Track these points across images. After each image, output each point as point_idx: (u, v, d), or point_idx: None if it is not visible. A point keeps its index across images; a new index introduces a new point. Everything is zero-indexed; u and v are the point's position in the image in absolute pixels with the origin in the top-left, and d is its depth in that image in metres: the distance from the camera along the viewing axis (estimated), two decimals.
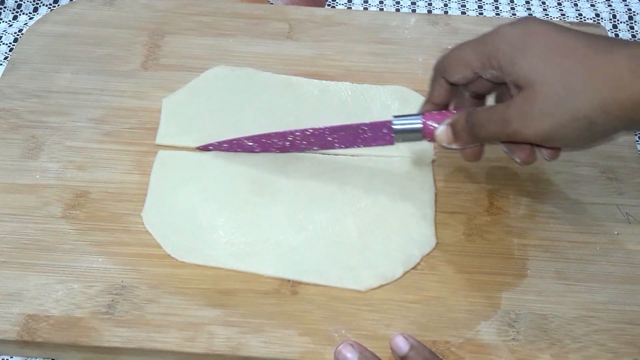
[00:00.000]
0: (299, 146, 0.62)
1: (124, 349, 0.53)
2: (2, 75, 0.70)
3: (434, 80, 0.58)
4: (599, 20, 0.83)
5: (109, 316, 0.54)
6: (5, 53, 0.77)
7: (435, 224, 0.60)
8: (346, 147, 0.62)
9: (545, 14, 0.83)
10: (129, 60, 0.71)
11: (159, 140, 0.65)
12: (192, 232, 0.59)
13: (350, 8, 0.84)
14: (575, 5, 0.84)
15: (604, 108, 0.47)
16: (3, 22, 0.80)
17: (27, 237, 0.58)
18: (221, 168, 0.63)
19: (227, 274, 0.57)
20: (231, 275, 0.57)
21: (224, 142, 0.63)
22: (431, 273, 0.57)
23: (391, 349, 0.52)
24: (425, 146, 0.64)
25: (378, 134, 0.59)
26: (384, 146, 0.60)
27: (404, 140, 0.59)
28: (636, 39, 0.82)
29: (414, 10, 0.84)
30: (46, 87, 0.69)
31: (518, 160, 0.58)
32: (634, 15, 0.83)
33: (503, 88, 0.56)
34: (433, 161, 0.64)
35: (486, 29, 0.75)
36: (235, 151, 0.63)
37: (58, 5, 0.82)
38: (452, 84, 0.57)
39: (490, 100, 0.60)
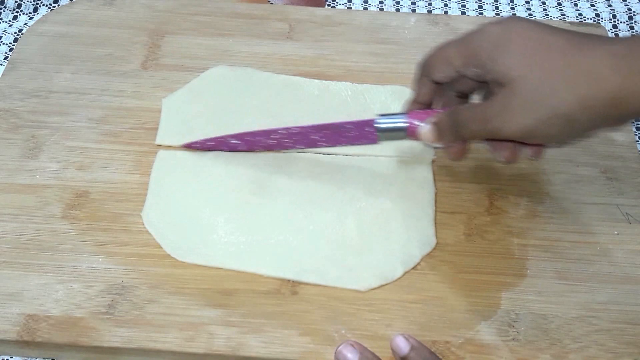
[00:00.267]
0: (283, 144, 0.62)
1: (124, 349, 0.53)
2: (2, 75, 0.70)
3: (418, 79, 0.58)
4: (599, 20, 0.83)
5: (109, 316, 0.54)
6: (5, 53, 0.77)
7: (435, 224, 0.60)
8: (331, 145, 0.62)
9: (545, 14, 0.83)
10: (129, 60, 0.71)
11: (159, 140, 0.65)
12: (192, 232, 0.59)
13: (350, 8, 0.84)
14: (575, 5, 0.84)
15: (583, 104, 0.48)
16: (3, 22, 0.80)
17: (27, 237, 0.58)
18: (221, 168, 0.63)
19: (227, 274, 0.57)
20: (231, 275, 0.57)
21: (209, 139, 0.63)
22: (431, 273, 0.57)
23: (391, 349, 0.52)
24: (425, 146, 0.64)
25: (362, 132, 0.59)
26: (370, 145, 0.60)
27: (388, 139, 0.59)
28: None
29: (414, 10, 0.84)
30: (46, 87, 0.69)
31: (502, 159, 0.58)
32: (634, 15, 0.83)
33: (486, 87, 0.56)
34: (433, 161, 0.64)
35: None
36: (221, 150, 0.63)
37: (58, 5, 0.82)
38: (436, 83, 0.57)
39: (474, 100, 0.60)
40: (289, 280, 0.56)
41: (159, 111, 0.67)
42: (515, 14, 0.83)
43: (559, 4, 0.85)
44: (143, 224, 0.59)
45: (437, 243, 0.59)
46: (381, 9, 0.84)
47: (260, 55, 0.72)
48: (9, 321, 0.54)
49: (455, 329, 0.54)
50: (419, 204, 0.61)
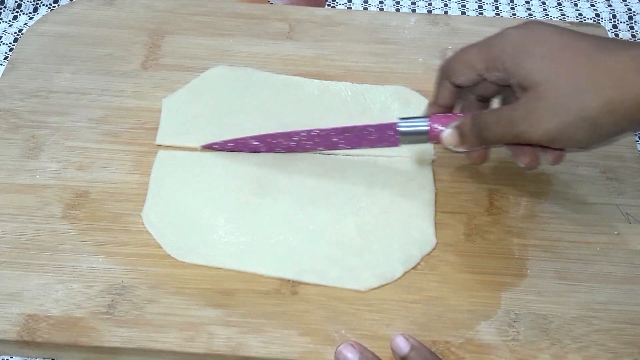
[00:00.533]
0: (304, 146, 0.62)
1: (124, 349, 0.53)
2: (2, 75, 0.70)
3: (439, 83, 0.58)
4: (599, 20, 0.83)
5: (109, 316, 0.54)
6: (5, 53, 0.77)
7: (435, 224, 0.60)
8: (351, 148, 0.62)
9: (545, 14, 0.83)
10: (129, 60, 0.71)
11: (159, 140, 0.65)
12: (192, 232, 0.59)
13: (350, 8, 0.84)
14: (575, 5, 0.84)
15: (609, 107, 0.48)
16: (3, 22, 0.80)
17: (27, 237, 0.58)
18: (221, 168, 0.63)
19: (227, 274, 0.57)
20: (231, 275, 0.57)
21: (229, 141, 0.63)
22: (431, 273, 0.57)
23: (391, 349, 0.52)
24: (425, 146, 0.64)
25: (384, 135, 0.59)
26: (391, 150, 0.60)
27: (409, 142, 0.59)
28: (636, 39, 0.82)
29: (414, 10, 0.84)
30: (46, 87, 0.69)
31: (522, 165, 0.58)
32: (634, 15, 0.83)
33: (508, 91, 0.56)
34: (433, 161, 0.64)
35: (486, 29, 0.75)
36: (240, 150, 0.63)
37: (58, 5, 0.82)
38: (457, 87, 0.57)
39: (495, 103, 0.60)
40: (289, 280, 0.56)
41: (159, 111, 0.67)
42: (515, 15, 0.83)
43: (559, 4, 0.85)
44: (143, 224, 0.59)
45: (437, 243, 0.59)
46: (381, 9, 0.84)
47: (260, 55, 0.72)
48: (9, 321, 0.54)
49: (455, 329, 0.54)
50: (419, 204, 0.61)
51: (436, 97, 0.58)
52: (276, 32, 0.74)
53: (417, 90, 0.69)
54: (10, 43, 0.78)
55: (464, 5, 0.85)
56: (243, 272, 0.57)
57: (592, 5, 0.84)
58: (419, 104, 0.68)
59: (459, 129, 0.55)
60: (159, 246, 0.58)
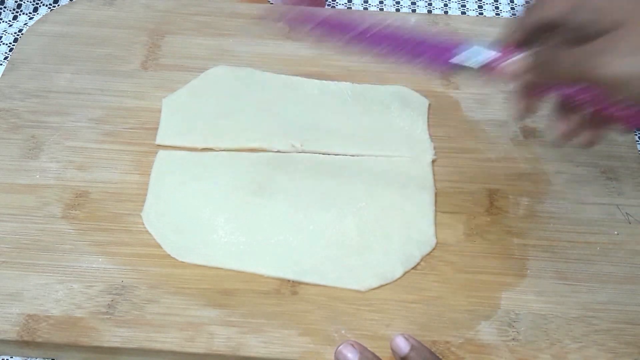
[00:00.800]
0: (365, 41, 0.57)
1: (124, 349, 0.53)
2: (2, 75, 0.70)
3: (517, 20, 0.54)
4: None
5: (109, 316, 0.54)
6: (5, 53, 0.77)
7: (435, 224, 0.60)
8: (400, 61, 0.56)
9: None
10: (129, 60, 0.71)
11: (159, 140, 0.65)
12: (192, 232, 0.59)
13: (350, 8, 0.84)
14: None
15: None
16: (3, 22, 0.80)
17: (27, 237, 0.58)
18: (221, 168, 0.63)
19: (227, 274, 0.57)
20: (231, 275, 0.57)
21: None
22: (431, 273, 0.57)
23: (391, 349, 0.52)
24: (425, 146, 0.65)
25: (439, 57, 0.55)
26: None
27: (461, 69, 0.55)
28: None
29: (414, 10, 0.84)
30: (46, 87, 0.69)
31: (581, 142, 0.54)
32: None
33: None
34: (433, 161, 0.64)
35: (486, 29, 0.75)
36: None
37: (58, 5, 0.82)
38: (533, 30, 0.53)
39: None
40: (289, 280, 0.56)
41: (159, 111, 0.67)
42: (515, 15, 0.83)
43: None
44: (143, 224, 0.59)
45: (437, 243, 0.59)
46: (381, 9, 0.84)
47: (260, 55, 0.72)
48: (9, 321, 0.54)
49: (455, 329, 0.54)
50: (419, 204, 0.61)
51: (509, 34, 0.55)
52: (276, 32, 0.74)
53: (417, 90, 0.69)
54: (10, 43, 0.78)
55: (464, 5, 0.85)
56: (243, 272, 0.57)
57: None
58: (419, 104, 0.68)
59: (528, 57, 0.51)
60: (159, 246, 0.58)
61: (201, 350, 0.53)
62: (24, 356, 0.56)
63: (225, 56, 0.72)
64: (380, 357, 0.52)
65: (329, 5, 0.84)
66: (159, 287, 0.56)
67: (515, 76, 0.52)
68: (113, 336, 0.53)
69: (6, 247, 0.58)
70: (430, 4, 0.85)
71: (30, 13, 0.82)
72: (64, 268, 0.57)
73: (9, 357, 0.57)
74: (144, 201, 0.61)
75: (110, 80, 0.69)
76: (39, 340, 0.53)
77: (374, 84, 0.69)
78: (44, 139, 0.65)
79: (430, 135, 0.66)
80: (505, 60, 0.52)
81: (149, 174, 0.62)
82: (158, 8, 0.76)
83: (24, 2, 0.82)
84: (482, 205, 0.61)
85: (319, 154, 0.64)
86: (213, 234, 0.59)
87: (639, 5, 0.49)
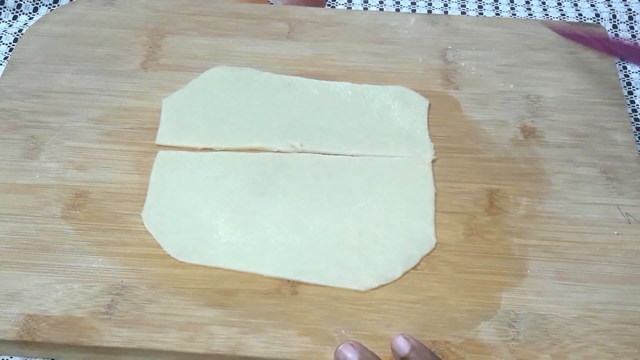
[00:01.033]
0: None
1: (124, 349, 0.53)
2: (2, 75, 0.70)
3: None
4: (599, 20, 0.83)
5: (108, 316, 0.54)
6: (5, 53, 0.77)
7: (435, 224, 0.60)
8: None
9: (546, 14, 0.83)
10: (129, 60, 0.71)
11: (159, 140, 0.65)
12: (192, 232, 0.59)
13: (350, 8, 0.84)
14: (575, 5, 0.84)
15: None
16: (3, 22, 0.80)
17: (27, 237, 0.58)
18: (221, 168, 0.63)
19: (227, 274, 0.57)
20: (231, 275, 0.57)
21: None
22: (431, 273, 0.57)
23: (392, 349, 0.52)
24: (425, 146, 0.65)
25: None
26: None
27: None
28: (636, 39, 0.82)
29: (414, 10, 0.84)
30: (46, 87, 0.69)
31: None
32: (634, 15, 0.83)
33: None
34: (433, 161, 0.64)
35: (486, 29, 0.75)
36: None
37: (58, 5, 0.82)
38: None
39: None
40: (289, 280, 0.56)
41: (159, 111, 0.67)
42: (515, 15, 0.83)
43: (559, 4, 0.85)
44: (143, 224, 0.59)
45: (436, 243, 0.59)
46: (381, 9, 0.84)
47: (260, 55, 0.72)
48: (9, 321, 0.54)
49: (455, 329, 0.54)
50: (419, 204, 0.61)
51: None
52: (276, 32, 0.74)
53: (417, 90, 0.69)
54: (10, 43, 0.78)
55: (464, 5, 0.85)
56: (243, 272, 0.57)
57: (592, 5, 0.84)
58: (419, 104, 0.68)
59: None
60: (159, 246, 0.58)
61: (201, 351, 0.53)
62: (23, 356, 0.56)
63: (225, 56, 0.72)
64: (380, 357, 0.52)
65: (329, 5, 0.84)
66: (158, 287, 0.56)
67: None
68: (113, 336, 0.53)
69: (6, 247, 0.58)
70: (430, 4, 0.85)
71: (30, 13, 0.82)
72: (64, 268, 0.57)
73: (8, 357, 0.57)
74: (143, 201, 0.61)
75: (110, 80, 0.69)
76: (39, 340, 0.53)
77: (374, 84, 0.69)
78: (43, 139, 0.65)
79: (430, 135, 0.66)
80: None
81: (149, 174, 0.62)
82: (158, 8, 0.76)
83: (24, 2, 0.82)
84: (482, 205, 0.61)
85: (319, 154, 0.64)
86: (213, 234, 0.59)
87: None
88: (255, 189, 0.61)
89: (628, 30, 0.82)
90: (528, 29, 0.75)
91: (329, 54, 0.72)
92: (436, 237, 0.59)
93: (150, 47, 0.72)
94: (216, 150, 0.64)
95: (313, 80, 0.70)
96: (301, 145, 0.64)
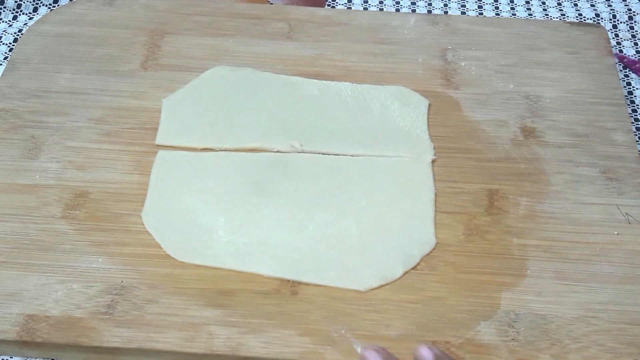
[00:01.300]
0: None
1: (124, 349, 0.53)
2: (2, 75, 0.70)
3: None
4: (599, 20, 0.83)
5: (108, 316, 0.54)
6: (5, 53, 0.77)
7: (435, 224, 0.60)
8: None
9: (546, 14, 0.83)
10: (129, 60, 0.71)
11: (159, 140, 0.65)
12: (192, 232, 0.59)
13: (350, 8, 0.84)
14: (575, 5, 0.84)
15: None
16: (3, 22, 0.80)
17: (27, 237, 0.58)
18: (221, 168, 0.63)
19: (227, 274, 0.57)
20: (231, 275, 0.57)
21: None
22: (431, 273, 0.57)
23: (415, 358, 0.51)
24: (425, 146, 0.65)
25: None
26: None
27: None
28: (636, 39, 0.82)
29: (414, 10, 0.84)
30: (46, 87, 0.69)
31: None
32: (634, 15, 0.83)
33: None
34: (433, 161, 0.64)
35: (486, 29, 0.75)
36: None
37: (58, 5, 0.82)
38: None
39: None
40: (288, 280, 0.56)
41: (159, 111, 0.67)
42: (515, 14, 0.83)
43: (559, 4, 0.85)
44: (143, 224, 0.59)
45: (436, 243, 0.59)
46: (381, 9, 0.84)
47: (260, 55, 0.72)
48: (9, 321, 0.54)
49: (455, 329, 0.54)
50: (419, 204, 0.61)
51: None
52: (276, 32, 0.74)
53: (417, 90, 0.69)
54: (10, 43, 0.78)
55: (464, 5, 0.85)
56: (243, 272, 0.57)
57: (592, 5, 0.84)
58: (419, 104, 0.68)
59: None
60: (159, 246, 0.58)
61: (201, 351, 0.53)
62: (23, 356, 0.56)
63: (225, 56, 0.72)
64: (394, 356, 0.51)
65: (329, 5, 0.84)
66: (158, 287, 0.56)
67: None
68: (113, 336, 0.53)
69: (6, 247, 0.58)
70: (430, 4, 0.85)
71: (30, 13, 0.82)
72: (64, 268, 0.57)
73: (8, 357, 0.57)
74: (143, 201, 0.61)
75: (110, 80, 0.69)
76: (39, 340, 0.53)
77: (374, 84, 0.69)
78: (43, 139, 0.65)
79: (430, 135, 0.66)
80: None
81: (149, 174, 0.62)
82: (158, 8, 0.76)
83: (24, 2, 0.82)
84: (482, 205, 0.61)
85: (319, 154, 0.64)
86: (213, 234, 0.59)
87: None
88: (255, 189, 0.61)
89: (628, 30, 0.82)
90: (528, 29, 0.75)
91: (329, 54, 0.72)
92: (436, 237, 0.59)
93: (150, 47, 0.72)
94: (216, 150, 0.64)
95: (313, 80, 0.70)
96: (301, 145, 0.64)
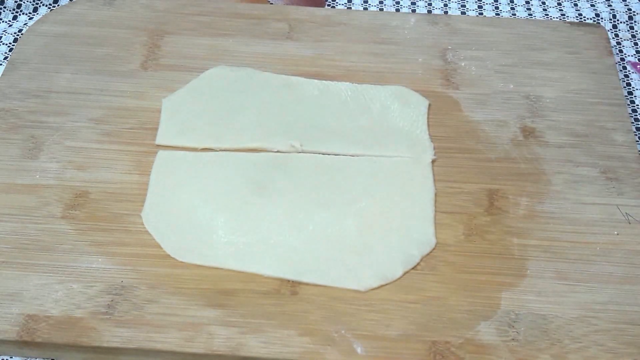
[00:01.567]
0: None
1: (124, 349, 0.53)
2: (2, 75, 0.70)
3: None
4: (599, 20, 0.83)
5: (108, 316, 0.54)
6: (5, 53, 0.77)
7: (435, 224, 0.60)
8: None
9: (546, 14, 0.83)
10: (129, 60, 0.71)
11: (159, 140, 0.65)
12: (192, 232, 0.59)
13: (350, 8, 0.84)
14: (575, 5, 0.84)
15: None
16: (3, 22, 0.80)
17: (27, 237, 0.58)
18: (221, 168, 0.63)
19: (227, 274, 0.57)
20: (231, 275, 0.57)
21: None
22: (431, 273, 0.57)
23: None
24: (425, 146, 0.65)
25: None
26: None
27: None
28: (636, 39, 0.82)
29: (414, 10, 0.84)
30: (46, 87, 0.69)
31: None
32: (634, 15, 0.83)
33: None
34: (433, 161, 0.64)
35: (486, 29, 0.75)
36: None
37: (58, 5, 0.82)
38: None
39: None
40: (288, 280, 0.56)
41: (159, 111, 0.67)
42: (515, 14, 0.83)
43: (559, 4, 0.85)
44: (143, 224, 0.59)
45: (436, 243, 0.59)
46: (381, 9, 0.84)
47: (260, 55, 0.72)
48: (9, 321, 0.54)
49: (455, 329, 0.54)
50: (419, 204, 0.61)
51: None
52: (276, 32, 0.74)
53: (417, 90, 0.69)
54: (10, 43, 0.78)
55: (464, 5, 0.85)
56: (243, 272, 0.57)
57: (592, 5, 0.84)
58: (419, 104, 0.68)
59: None
60: (159, 246, 0.58)
61: (201, 351, 0.53)
62: (23, 356, 0.56)
63: (225, 56, 0.72)
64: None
65: (329, 5, 0.84)
66: (158, 287, 0.56)
67: None
68: (113, 336, 0.53)
69: (6, 247, 0.58)
70: (430, 4, 0.85)
71: (30, 13, 0.82)
72: (64, 268, 0.57)
73: (8, 357, 0.57)
74: (143, 201, 0.61)
75: (110, 80, 0.69)
76: (39, 340, 0.53)
77: (374, 84, 0.69)
78: (43, 139, 0.65)
79: (430, 135, 0.66)
80: None
81: (149, 174, 0.62)
82: (158, 8, 0.76)
83: (24, 2, 0.82)
84: (482, 205, 0.61)
85: (319, 154, 0.64)
86: (213, 234, 0.59)
87: None
88: (255, 189, 0.61)
89: (628, 30, 0.82)
90: (528, 29, 0.75)
91: (329, 54, 0.72)
92: (436, 237, 0.59)
93: (150, 47, 0.72)
94: (216, 150, 0.64)
95: (313, 80, 0.70)
96: (301, 145, 0.64)
